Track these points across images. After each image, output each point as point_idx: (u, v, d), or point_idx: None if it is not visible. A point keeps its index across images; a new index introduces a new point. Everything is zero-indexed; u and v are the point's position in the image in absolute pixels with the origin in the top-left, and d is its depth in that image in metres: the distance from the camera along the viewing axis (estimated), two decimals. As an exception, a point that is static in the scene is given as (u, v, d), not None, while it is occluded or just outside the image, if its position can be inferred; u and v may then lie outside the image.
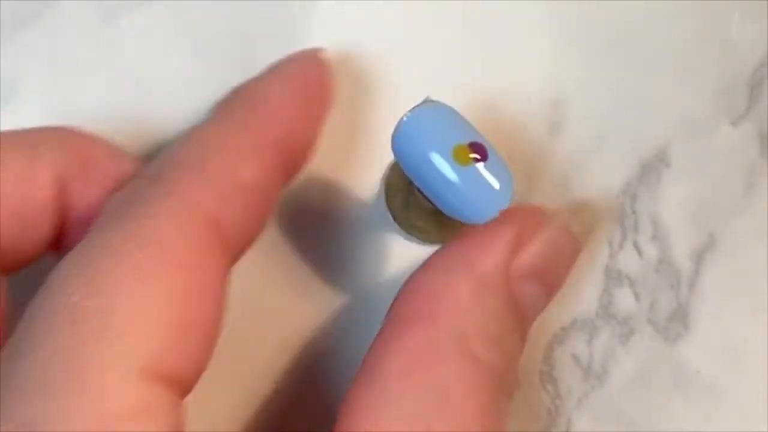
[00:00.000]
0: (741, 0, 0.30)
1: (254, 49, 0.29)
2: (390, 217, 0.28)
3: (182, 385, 0.19)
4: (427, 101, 0.22)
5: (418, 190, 0.24)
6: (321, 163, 0.28)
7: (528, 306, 0.23)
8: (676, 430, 0.27)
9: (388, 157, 0.28)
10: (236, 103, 0.24)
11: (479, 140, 0.22)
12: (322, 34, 0.30)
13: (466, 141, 0.21)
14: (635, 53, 0.30)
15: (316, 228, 0.28)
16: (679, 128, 0.28)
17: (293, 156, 0.23)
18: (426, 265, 0.23)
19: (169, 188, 0.20)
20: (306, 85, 0.24)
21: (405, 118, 0.21)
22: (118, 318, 0.17)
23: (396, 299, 0.23)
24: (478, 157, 0.21)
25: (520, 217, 0.24)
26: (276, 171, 0.22)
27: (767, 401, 0.27)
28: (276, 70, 0.25)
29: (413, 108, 0.22)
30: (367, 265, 0.26)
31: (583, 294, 0.28)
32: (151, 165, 0.21)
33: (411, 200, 0.27)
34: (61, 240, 0.23)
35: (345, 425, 0.20)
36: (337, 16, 0.30)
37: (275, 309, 0.27)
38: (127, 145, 0.29)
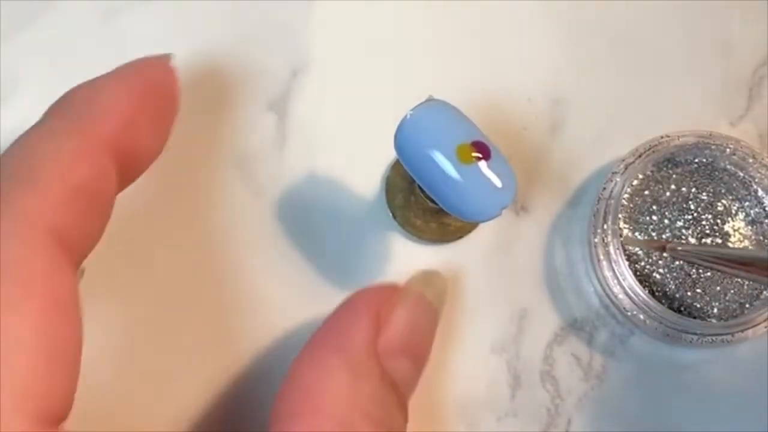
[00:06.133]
0: (741, 1, 0.30)
1: (254, 49, 0.30)
2: (390, 216, 0.28)
3: (63, 413, 0.18)
4: (430, 100, 0.22)
5: (420, 189, 0.24)
6: (322, 163, 0.28)
7: (402, 381, 0.23)
8: (676, 430, 0.27)
9: (388, 157, 0.28)
10: (67, 103, 0.22)
11: (482, 139, 0.21)
12: (322, 34, 0.30)
13: (469, 140, 0.21)
14: (635, 54, 0.30)
15: (316, 227, 0.28)
16: (678, 128, 0.28)
17: (129, 157, 0.22)
18: (299, 358, 0.23)
19: (1, 205, 0.19)
20: (144, 87, 0.23)
21: (408, 117, 0.21)
22: None
23: (278, 396, 0.22)
24: (480, 155, 0.21)
25: (377, 296, 0.24)
26: (109, 172, 0.21)
27: (766, 400, 0.27)
28: (113, 72, 0.23)
29: (416, 106, 0.22)
30: (367, 264, 0.26)
31: (583, 294, 0.28)
32: None
33: (411, 199, 0.27)
34: None
35: None
36: (336, 16, 0.30)
37: (276, 307, 0.27)
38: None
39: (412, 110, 0.21)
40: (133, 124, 0.22)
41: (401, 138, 0.21)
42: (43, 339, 0.18)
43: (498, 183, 0.21)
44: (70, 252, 0.19)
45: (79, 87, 0.23)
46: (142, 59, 0.24)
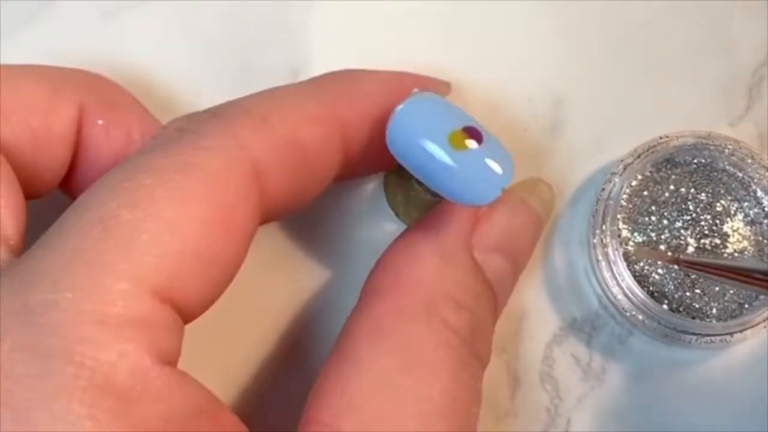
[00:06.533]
0: (741, 0, 0.30)
1: (254, 49, 0.30)
2: (392, 214, 0.28)
3: (187, 314, 0.19)
4: (415, 93, 0.22)
5: (417, 183, 0.24)
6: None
7: (495, 279, 0.23)
8: (676, 430, 0.27)
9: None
10: (328, 77, 0.23)
11: (473, 124, 0.22)
12: (322, 34, 0.30)
13: (460, 126, 0.21)
14: (635, 54, 0.30)
15: (317, 226, 0.28)
16: (678, 129, 0.28)
17: (355, 147, 0.23)
18: (392, 244, 0.23)
19: (225, 126, 0.20)
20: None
21: (397, 112, 0.22)
22: (146, 234, 0.18)
23: (367, 278, 0.23)
24: (473, 140, 0.21)
25: None
26: (333, 147, 0.22)
27: (766, 400, 0.27)
28: (385, 71, 0.24)
29: (403, 102, 0.22)
30: (370, 262, 0.26)
31: (582, 294, 0.28)
32: (218, 105, 0.22)
33: (411, 195, 0.27)
34: (71, 177, 0.23)
35: (318, 384, 0.21)
36: (336, 17, 0.30)
37: (277, 308, 0.27)
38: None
39: (400, 105, 0.21)
40: (373, 123, 0.23)
41: (393, 134, 0.21)
42: (197, 237, 0.18)
43: (494, 165, 0.21)
44: (263, 194, 0.20)
45: (344, 70, 0.24)
46: (420, 76, 0.25)
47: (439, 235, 0.22)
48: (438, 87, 0.25)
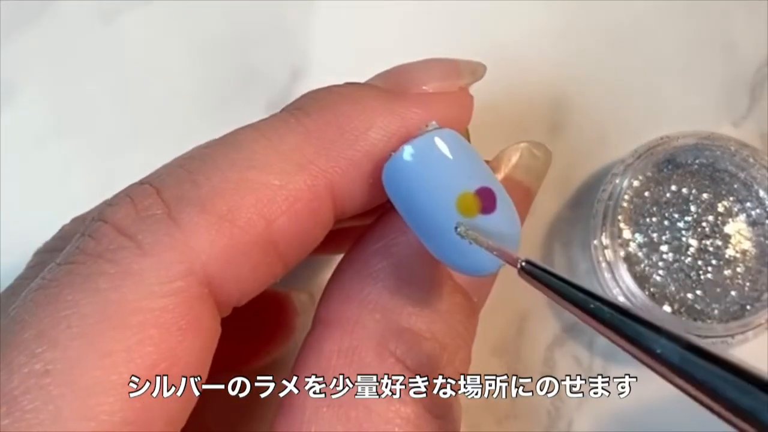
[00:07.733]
0: (742, 1, 0.30)
1: (253, 49, 0.29)
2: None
3: None
4: (431, 130, 0.18)
5: None
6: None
7: (475, 283, 0.19)
8: (676, 430, 0.27)
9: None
10: (314, 117, 0.18)
11: (488, 184, 0.17)
12: (322, 34, 0.30)
13: (474, 186, 0.17)
14: (636, 54, 0.30)
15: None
16: (680, 129, 0.28)
17: (355, 206, 0.18)
18: (345, 259, 0.19)
19: (176, 233, 0.16)
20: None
21: (397, 156, 0.17)
22: (67, 411, 0.15)
23: (320, 299, 0.19)
24: (485, 209, 0.17)
25: None
26: (324, 221, 0.18)
27: None
28: (399, 97, 0.19)
29: (410, 142, 0.18)
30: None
31: (583, 295, 0.28)
32: (172, 179, 0.17)
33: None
34: None
35: None
36: (336, 17, 0.30)
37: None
38: (126, 144, 0.29)
39: (403, 148, 0.17)
40: (374, 172, 0.18)
41: (389, 183, 0.17)
42: (122, 407, 0.15)
43: (501, 236, 0.17)
44: (220, 304, 0.17)
45: (338, 94, 0.19)
46: (440, 91, 0.21)
47: (394, 245, 0.18)
48: (462, 85, 0.20)
